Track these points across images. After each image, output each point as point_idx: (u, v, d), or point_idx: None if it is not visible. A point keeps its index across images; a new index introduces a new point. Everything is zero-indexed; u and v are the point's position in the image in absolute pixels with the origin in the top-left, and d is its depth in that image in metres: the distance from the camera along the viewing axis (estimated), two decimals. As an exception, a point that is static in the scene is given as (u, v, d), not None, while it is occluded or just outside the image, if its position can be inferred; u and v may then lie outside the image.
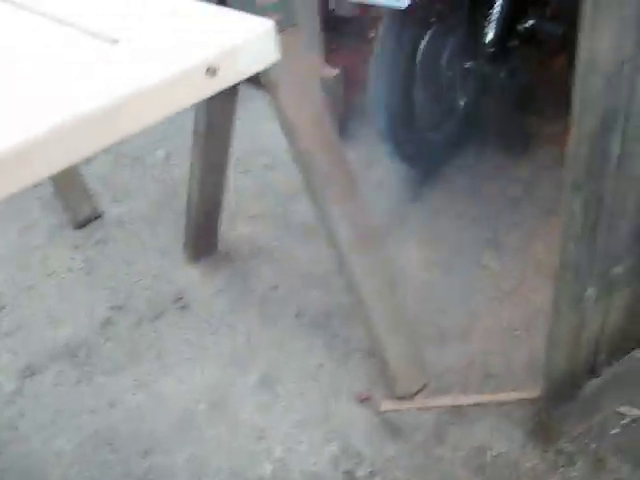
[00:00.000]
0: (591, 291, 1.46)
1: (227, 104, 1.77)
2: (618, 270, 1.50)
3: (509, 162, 2.64)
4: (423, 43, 2.23)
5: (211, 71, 0.64)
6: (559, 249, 1.35)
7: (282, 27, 1.45)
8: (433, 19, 2.23)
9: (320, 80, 1.54)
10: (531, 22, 2.40)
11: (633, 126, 1.24)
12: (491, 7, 2.29)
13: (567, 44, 2.27)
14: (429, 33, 2.22)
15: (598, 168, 1.23)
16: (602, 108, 1.15)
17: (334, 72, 1.54)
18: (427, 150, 2.52)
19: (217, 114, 1.78)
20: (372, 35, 2.31)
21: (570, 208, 1.26)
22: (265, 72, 1.46)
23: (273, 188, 2.65)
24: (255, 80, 1.47)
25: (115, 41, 0.68)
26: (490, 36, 2.31)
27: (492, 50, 2.33)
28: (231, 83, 0.66)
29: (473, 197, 2.49)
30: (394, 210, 2.47)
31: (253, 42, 0.67)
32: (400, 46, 2.17)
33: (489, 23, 2.30)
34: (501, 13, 2.29)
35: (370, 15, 3.13)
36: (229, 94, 1.73)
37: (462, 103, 2.49)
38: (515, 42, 2.40)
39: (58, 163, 0.57)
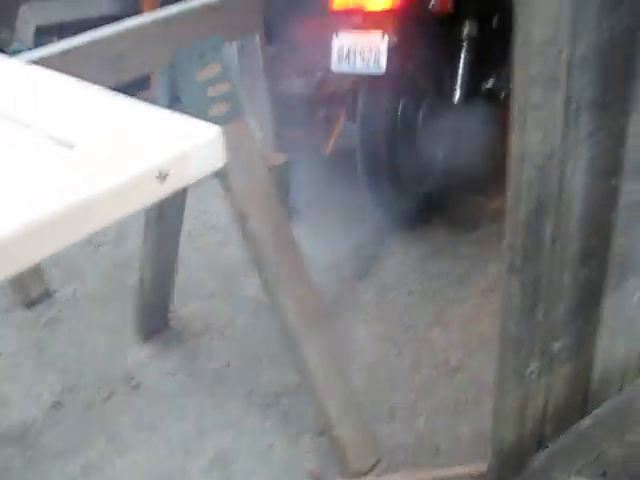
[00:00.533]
0: (533, 367, 1.51)
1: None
2: (557, 346, 1.56)
3: (456, 238, 2.74)
4: (401, 106, 2.50)
5: (161, 176, 0.68)
6: (500, 327, 1.40)
7: (230, 116, 1.53)
8: (408, 83, 2.50)
9: (268, 166, 1.60)
10: (492, 81, 2.72)
11: (564, 211, 1.32)
12: (457, 69, 2.58)
13: None
14: (405, 97, 2.49)
15: (533, 251, 1.30)
16: (534, 195, 1.23)
17: (282, 158, 1.60)
18: (413, 203, 2.74)
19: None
20: (325, 113, 2.90)
21: (509, 289, 1.32)
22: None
23: (225, 265, 2.68)
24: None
25: (71, 146, 0.72)
26: (457, 95, 2.59)
27: (461, 108, 2.60)
28: (180, 187, 0.70)
29: (421, 273, 2.57)
30: (343, 288, 2.52)
31: (202, 148, 0.71)
32: (382, 111, 2.43)
33: (456, 84, 2.59)
34: (464, 74, 2.59)
35: (322, 93, 3.26)
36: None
37: (441, 157, 2.71)
38: (480, 100, 2.69)
39: (17, 264, 0.60)
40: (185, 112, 1.53)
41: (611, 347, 1.70)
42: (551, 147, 1.20)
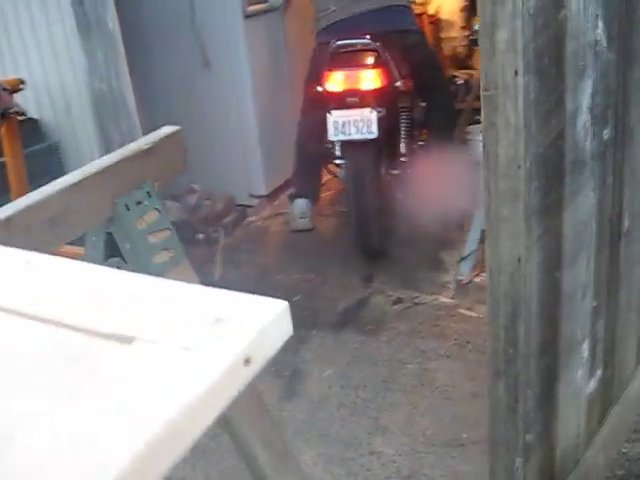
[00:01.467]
0: (518, 462, 1.52)
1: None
2: (530, 437, 1.58)
3: (368, 343, 2.76)
4: (383, 160, 3.36)
5: (247, 361, 0.63)
6: (489, 432, 1.41)
7: (174, 263, 1.47)
8: (386, 142, 3.32)
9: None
10: (419, 143, 3.71)
11: (527, 310, 1.37)
12: (399, 135, 3.50)
13: None
14: (384, 152, 3.34)
15: (513, 354, 1.33)
16: (509, 302, 1.27)
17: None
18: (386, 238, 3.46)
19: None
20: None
21: (495, 394, 1.33)
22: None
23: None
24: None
25: (131, 339, 0.65)
26: (403, 151, 3.50)
27: (404, 160, 3.49)
28: (260, 368, 0.65)
29: (345, 384, 2.54)
30: (274, 411, 2.43)
31: (275, 324, 0.67)
32: (371, 165, 3.20)
33: (400, 144, 3.50)
34: (404, 132, 3.50)
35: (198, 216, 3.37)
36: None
37: (400, 195, 3.48)
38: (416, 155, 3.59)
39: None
40: (125, 266, 1.47)
41: (565, 425, 1.75)
42: (518, 254, 1.25)
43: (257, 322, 0.68)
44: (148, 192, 1.46)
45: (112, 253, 1.47)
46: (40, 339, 0.70)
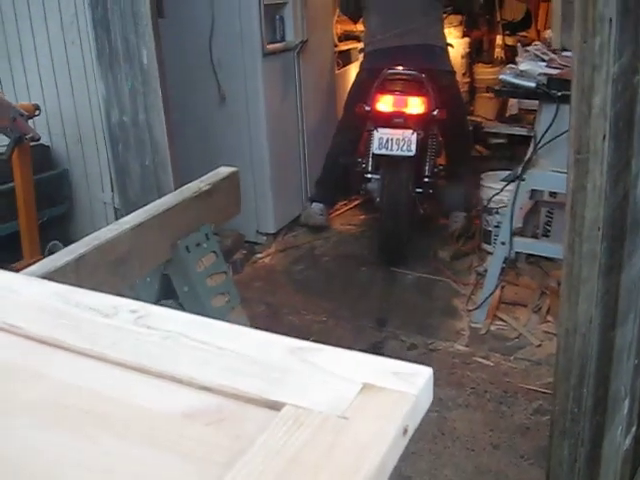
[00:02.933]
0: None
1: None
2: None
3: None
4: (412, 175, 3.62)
5: (404, 430, 0.62)
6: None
7: (230, 308, 1.44)
8: (420, 162, 3.68)
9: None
10: (440, 167, 3.98)
11: (590, 370, 1.36)
12: (426, 157, 3.78)
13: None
14: (412, 168, 3.60)
15: (578, 412, 1.31)
16: (580, 362, 1.25)
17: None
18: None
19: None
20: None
21: (559, 454, 1.31)
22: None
23: None
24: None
25: (281, 405, 0.63)
26: (427, 172, 3.76)
27: (427, 180, 3.75)
28: (412, 434, 0.64)
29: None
30: None
31: (425, 391, 0.66)
32: (403, 182, 3.56)
33: (426, 165, 3.77)
34: (429, 155, 3.77)
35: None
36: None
37: (421, 211, 3.82)
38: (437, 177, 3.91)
39: None
40: (180, 308, 1.44)
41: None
42: (591, 315, 1.24)
43: (412, 390, 0.66)
44: (207, 234, 1.44)
45: (166, 294, 1.44)
46: (175, 401, 0.67)
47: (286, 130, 4.06)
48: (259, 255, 3.97)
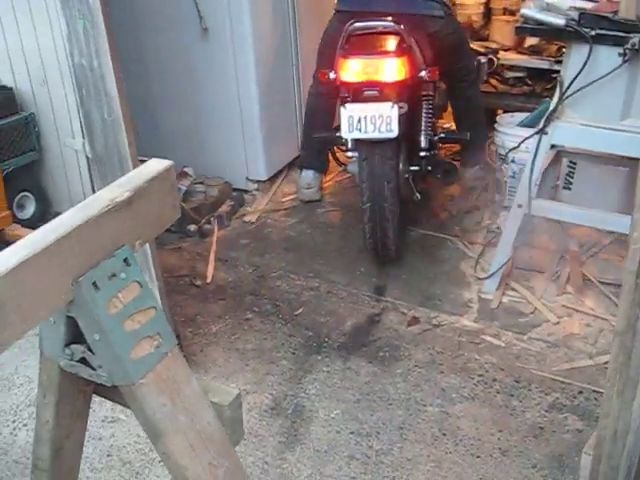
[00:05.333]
0: None
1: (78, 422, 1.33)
2: None
3: (381, 377, 2.41)
4: (401, 158, 2.89)
5: None
6: None
7: (161, 354, 1.10)
8: (405, 140, 2.88)
9: (217, 407, 1.18)
10: (442, 135, 3.22)
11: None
12: (420, 126, 3.00)
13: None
14: (397, 149, 2.82)
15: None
16: (627, 464, 0.90)
17: (233, 393, 1.19)
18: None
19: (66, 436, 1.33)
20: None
21: None
22: (151, 418, 1.09)
23: None
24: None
25: None
26: (423, 144, 2.99)
27: (425, 154, 3.00)
28: None
29: (355, 430, 2.20)
30: (273, 460, 2.10)
31: None
32: (388, 167, 2.76)
33: (420, 137, 2.99)
34: (424, 125, 2.99)
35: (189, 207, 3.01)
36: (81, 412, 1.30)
37: (418, 196, 3.06)
38: (436, 149, 3.21)
39: None
40: (93, 357, 1.09)
41: None
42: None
43: None
44: (126, 259, 1.08)
45: (75, 338, 1.09)
46: None
47: (277, 65, 3.60)
48: (249, 208, 3.60)
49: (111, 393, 1.20)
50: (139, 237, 1.12)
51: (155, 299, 1.12)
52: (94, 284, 1.03)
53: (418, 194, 3.06)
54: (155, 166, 1.17)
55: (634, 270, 0.77)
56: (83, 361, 1.11)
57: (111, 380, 1.08)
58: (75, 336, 1.09)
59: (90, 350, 1.09)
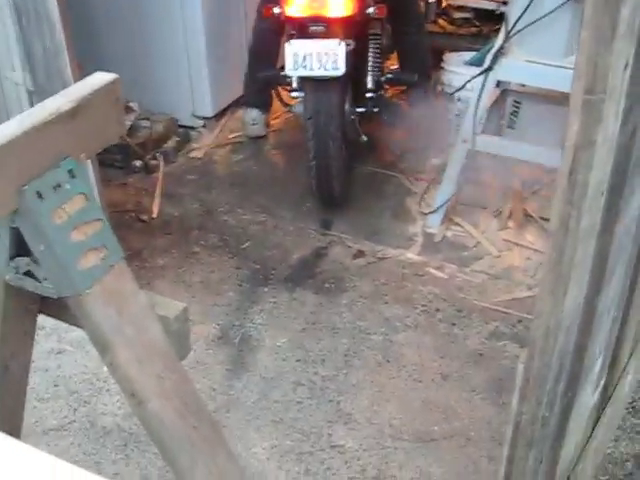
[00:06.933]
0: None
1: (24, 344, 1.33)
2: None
3: (326, 306, 2.45)
4: (345, 96, 2.83)
5: None
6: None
7: (107, 265, 1.10)
8: (351, 78, 2.82)
9: (163, 320, 1.20)
10: (389, 75, 3.20)
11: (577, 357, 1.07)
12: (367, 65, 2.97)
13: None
14: (343, 89, 2.77)
15: (549, 417, 1.03)
16: (559, 360, 0.95)
17: (179, 307, 1.20)
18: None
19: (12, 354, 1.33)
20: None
21: (523, 463, 1.04)
22: (99, 329, 1.09)
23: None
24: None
25: None
26: (370, 85, 2.97)
27: (372, 95, 2.98)
28: None
29: (301, 357, 2.25)
30: (220, 387, 2.13)
31: None
32: (334, 106, 2.71)
33: (367, 77, 2.97)
34: (372, 64, 2.98)
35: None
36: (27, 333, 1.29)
37: (364, 137, 3.06)
38: (383, 89, 3.21)
39: None
40: (39, 269, 1.09)
41: (568, 446, 1.50)
42: (580, 302, 0.93)
43: None
44: (71, 170, 1.06)
45: (20, 251, 1.09)
46: None
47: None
48: (195, 144, 3.56)
49: (57, 309, 1.20)
50: (83, 150, 1.11)
51: (101, 212, 1.12)
52: (38, 193, 1.02)
53: (364, 136, 3.05)
54: (100, 78, 1.15)
55: (567, 169, 0.80)
56: (29, 274, 1.11)
57: (57, 291, 1.08)
58: (20, 248, 1.09)
59: (35, 262, 1.08)
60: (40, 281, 1.10)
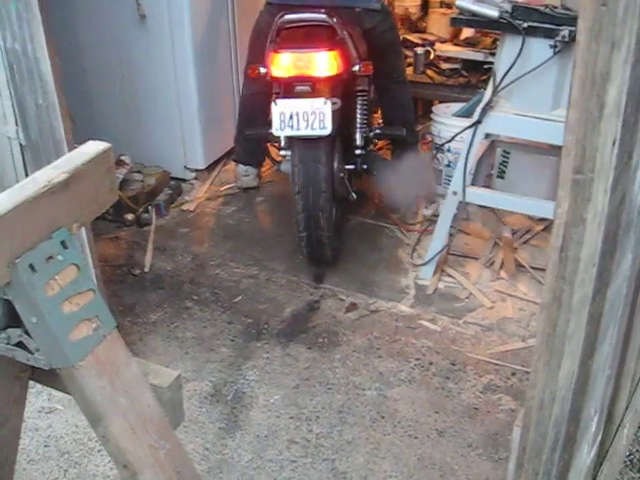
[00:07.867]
0: None
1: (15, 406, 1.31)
2: None
3: (320, 362, 2.44)
4: (333, 156, 2.77)
5: None
6: None
7: (100, 336, 1.09)
8: (339, 136, 2.81)
9: (156, 389, 1.18)
10: (378, 131, 3.21)
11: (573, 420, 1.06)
12: (355, 123, 2.96)
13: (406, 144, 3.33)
14: (331, 149, 2.74)
15: None
16: (556, 430, 0.95)
17: (172, 375, 1.19)
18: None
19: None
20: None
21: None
22: (91, 401, 1.08)
23: None
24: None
25: None
26: (358, 142, 2.96)
27: (361, 152, 2.98)
28: None
29: (295, 415, 2.22)
30: (213, 446, 2.10)
31: None
32: (322, 165, 2.66)
33: (356, 134, 2.96)
34: (359, 121, 2.96)
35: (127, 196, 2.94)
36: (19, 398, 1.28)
37: (354, 195, 3.03)
38: (372, 145, 3.26)
39: None
40: (31, 341, 1.08)
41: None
42: (574, 372, 0.93)
43: None
44: (63, 242, 1.07)
45: (12, 322, 1.08)
46: None
47: (216, 53, 3.58)
48: (187, 197, 3.57)
49: (48, 378, 1.19)
50: (76, 219, 1.11)
51: (93, 282, 1.12)
52: (31, 266, 1.01)
53: (354, 194, 3.02)
54: (93, 148, 1.16)
55: (558, 246, 0.81)
56: (20, 345, 1.10)
57: (49, 363, 1.07)
58: (11, 320, 1.08)
59: (27, 334, 1.07)
60: (32, 352, 1.09)
